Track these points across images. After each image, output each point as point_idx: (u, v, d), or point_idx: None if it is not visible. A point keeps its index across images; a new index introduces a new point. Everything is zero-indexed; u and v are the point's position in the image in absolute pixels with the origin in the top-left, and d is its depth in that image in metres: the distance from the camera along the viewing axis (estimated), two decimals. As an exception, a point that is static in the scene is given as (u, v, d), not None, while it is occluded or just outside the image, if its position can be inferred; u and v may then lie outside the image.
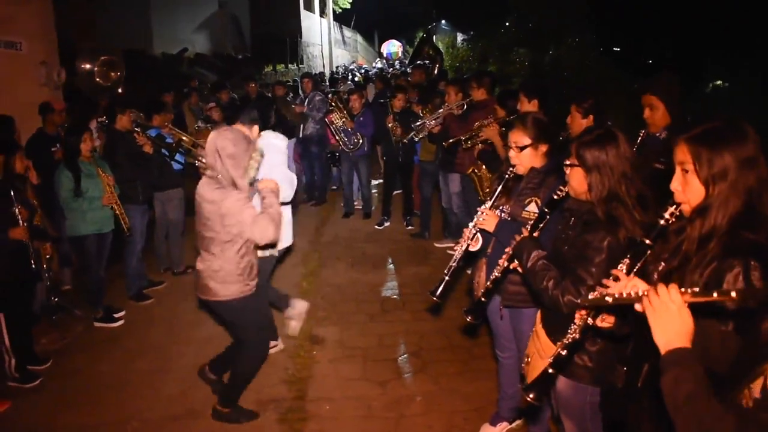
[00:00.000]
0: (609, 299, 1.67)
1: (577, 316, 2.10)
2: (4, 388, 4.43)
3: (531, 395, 2.15)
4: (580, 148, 2.40)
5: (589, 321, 2.04)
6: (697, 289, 1.47)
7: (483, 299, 2.84)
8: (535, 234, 2.61)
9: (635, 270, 1.90)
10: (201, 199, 3.54)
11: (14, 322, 4.48)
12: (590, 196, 2.39)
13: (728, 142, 1.72)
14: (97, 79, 8.06)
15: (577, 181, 2.44)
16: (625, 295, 1.64)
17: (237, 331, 3.95)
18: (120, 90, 8.93)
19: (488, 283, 2.80)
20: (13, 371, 4.49)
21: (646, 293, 1.55)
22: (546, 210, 2.60)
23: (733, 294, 1.37)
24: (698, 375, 1.44)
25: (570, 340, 2.08)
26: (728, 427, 1.34)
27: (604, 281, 1.94)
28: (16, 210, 4.36)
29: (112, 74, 8.34)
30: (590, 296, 1.79)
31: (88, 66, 8.21)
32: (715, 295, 1.41)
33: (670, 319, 1.48)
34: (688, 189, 1.78)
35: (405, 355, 4.78)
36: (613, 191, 2.34)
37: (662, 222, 1.83)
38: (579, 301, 1.80)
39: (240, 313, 3.76)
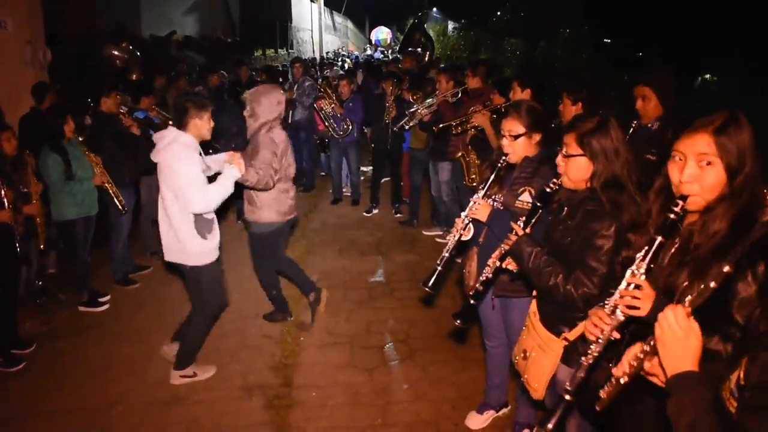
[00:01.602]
0: (624, 380, 1.64)
1: (594, 335, 1.92)
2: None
3: (550, 425, 1.91)
4: (585, 137, 2.36)
5: (612, 336, 1.88)
6: (695, 294, 1.45)
7: (472, 302, 2.79)
8: (528, 230, 2.57)
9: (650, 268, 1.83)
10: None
11: (-2, 306, 4.42)
12: (593, 183, 2.36)
13: (746, 132, 1.73)
14: (117, 62, 8.21)
15: (577, 171, 2.40)
16: (636, 364, 1.61)
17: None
18: (134, 75, 9.03)
19: (478, 285, 2.75)
20: (-4, 355, 4.44)
21: (652, 342, 1.54)
22: (538, 204, 2.55)
23: (726, 268, 1.36)
24: (701, 401, 1.43)
25: (591, 360, 1.90)
26: None
27: (621, 291, 1.84)
28: (2, 192, 4.28)
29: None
30: (603, 395, 1.70)
31: (116, 52, 8.51)
32: (712, 284, 1.40)
33: (675, 343, 1.47)
34: (706, 181, 1.76)
35: (393, 343, 4.77)
36: (617, 176, 2.33)
37: (672, 216, 1.77)
38: (599, 401, 1.72)
39: None
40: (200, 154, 3.97)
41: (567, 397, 1.89)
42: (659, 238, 1.77)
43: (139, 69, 10.01)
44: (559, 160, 2.46)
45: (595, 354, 1.87)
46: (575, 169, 2.41)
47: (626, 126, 3.82)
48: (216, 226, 4.09)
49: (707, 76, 17.12)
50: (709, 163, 1.75)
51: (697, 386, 1.45)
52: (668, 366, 1.49)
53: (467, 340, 4.73)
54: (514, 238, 2.57)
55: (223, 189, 3.93)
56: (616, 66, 13.63)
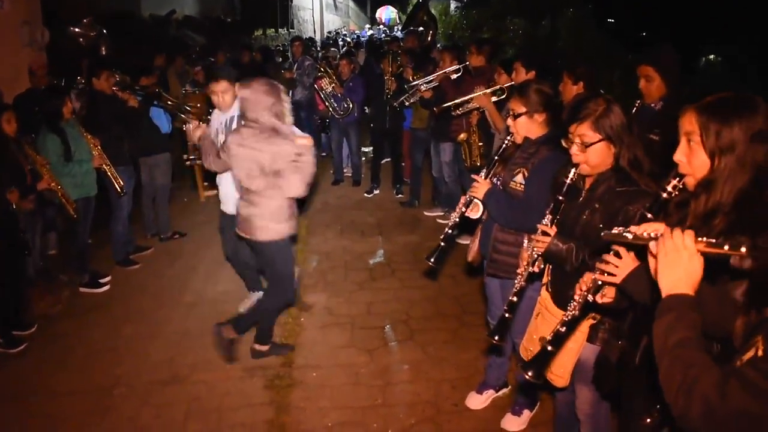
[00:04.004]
0: (629, 236, 1.65)
1: (576, 293, 2.07)
2: (-12, 353, 4.41)
3: (530, 373, 2.12)
4: (599, 121, 2.31)
5: (589, 297, 2.01)
6: (713, 240, 1.43)
7: (507, 315, 2.69)
8: (554, 227, 2.47)
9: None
10: (243, 149, 3.75)
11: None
12: (620, 163, 2.33)
13: (739, 114, 1.66)
14: (80, 40, 7.83)
15: (599, 156, 2.35)
16: (645, 235, 1.60)
17: (272, 271, 4.17)
18: (103, 50, 8.74)
19: (512, 297, 2.65)
20: (-4, 336, 4.45)
21: (661, 234, 1.53)
22: (560, 198, 2.45)
23: (743, 249, 1.34)
24: (695, 323, 1.42)
25: (569, 317, 2.07)
26: (713, 377, 1.33)
27: (605, 257, 1.94)
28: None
29: (92, 34, 8.14)
30: (614, 231, 1.74)
31: (78, 30, 8.02)
32: (726, 247, 1.38)
33: (678, 263, 1.46)
34: (693, 161, 1.72)
35: (393, 323, 4.77)
36: (635, 154, 2.31)
37: (664, 195, 1.77)
38: (602, 234, 1.79)
39: (277, 254, 4.02)
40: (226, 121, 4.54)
41: (549, 347, 2.11)
42: (648, 215, 1.80)
43: (107, 42, 9.60)
44: (576, 151, 2.38)
45: (575, 312, 2.07)
46: (596, 155, 2.35)
47: (629, 106, 3.78)
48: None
49: (711, 56, 16.92)
50: (692, 142, 1.72)
51: (692, 310, 1.44)
52: (665, 285, 1.48)
53: (468, 321, 4.73)
54: (545, 239, 2.45)
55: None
56: (621, 45, 13.48)
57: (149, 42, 11.37)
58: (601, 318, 2.44)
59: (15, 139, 4.73)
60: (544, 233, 2.45)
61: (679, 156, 1.75)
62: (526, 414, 3.54)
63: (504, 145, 3.03)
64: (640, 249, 1.73)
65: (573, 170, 2.40)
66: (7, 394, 3.99)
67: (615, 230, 1.73)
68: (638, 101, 3.86)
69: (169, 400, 3.86)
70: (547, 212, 2.48)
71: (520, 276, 2.62)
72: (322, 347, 4.45)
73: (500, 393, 3.77)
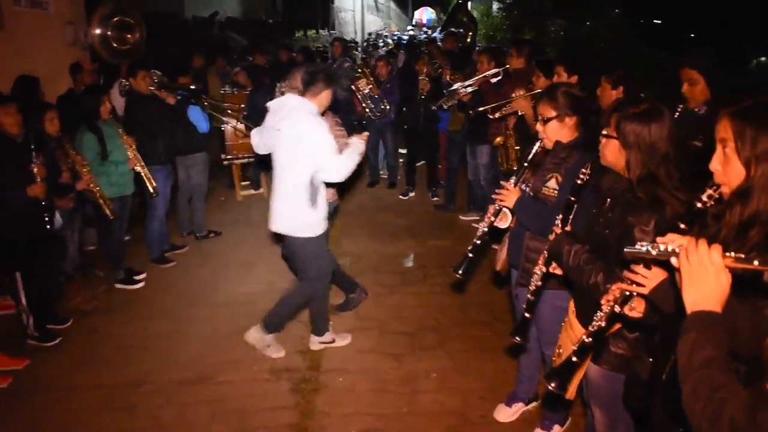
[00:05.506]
0: (654, 251, 1.55)
1: (603, 303, 1.99)
2: (23, 346, 4.48)
3: (553, 384, 2.07)
4: (622, 122, 2.20)
5: (617, 309, 1.93)
6: (741, 255, 1.34)
7: (527, 315, 2.64)
8: (567, 228, 2.42)
9: None
10: None
11: (31, 281, 4.49)
12: (629, 175, 2.22)
13: None
14: (114, 44, 7.61)
15: (610, 153, 2.27)
16: (670, 249, 1.51)
17: None
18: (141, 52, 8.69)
19: (529, 295, 2.62)
20: (32, 329, 4.52)
21: (685, 248, 1.44)
22: (572, 198, 2.40)
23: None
24: (721, 342, 1.34)
25: (596, 327, 2.00)
26: (741, 400, 1.25)
27: (634, 267, 1.86)
28: (34, 168, 4.34)
29: (129, 36, 7.91)
30: (636, 247, 1.64)
31: (98, 31, 7.76)
32: (756, 263, 1.30)
33: (704, 279, 1.37)
34: (728, 169, 1.60)
35: (422, 330, 4.69)
36: (652, 172, 2.16)
37: (699, 205, 1.67)
38: (624, 250, 1.68)
39: None
40: None
41: (574, 358, 2.05)
42: (682, 226, 1.70)
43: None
44: (602, 138, 2.32)
45: (601, 323, 2.00)
46: (608, 150, 2.28)
47: (671, 111, 3.63)
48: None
49: (762, 58, 16.37)
50: (728, 149, 1.59)
51: (718, 327, 1.35)
52: (690, 301, 1.40)
53: (498, 329, 4.61)
54: (552, 237, 2.44)
55: (352, 160, 4.05)
56: (665, 48, 13.13)
57: (191, 43, 11.53)
58: (606, 338, 2.34)
59: (56, 139, 4.82)
60: (554, 232, 2.43)
61: (714, 164, 1.63)
62: (557, 429, 3.42)
63: (534, 151, 2.92)
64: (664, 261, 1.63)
65: (584, 170, 2.36)
66: (38, 386, 4.04)
67: (638, 245, 1.63)
68: (681, 105, 3.71)
69: (193, 400, 3.86)
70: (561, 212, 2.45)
71: (536, 275, 2.58)
72: (350, 351, 4.40)
73: (530, 406, 3.66)
